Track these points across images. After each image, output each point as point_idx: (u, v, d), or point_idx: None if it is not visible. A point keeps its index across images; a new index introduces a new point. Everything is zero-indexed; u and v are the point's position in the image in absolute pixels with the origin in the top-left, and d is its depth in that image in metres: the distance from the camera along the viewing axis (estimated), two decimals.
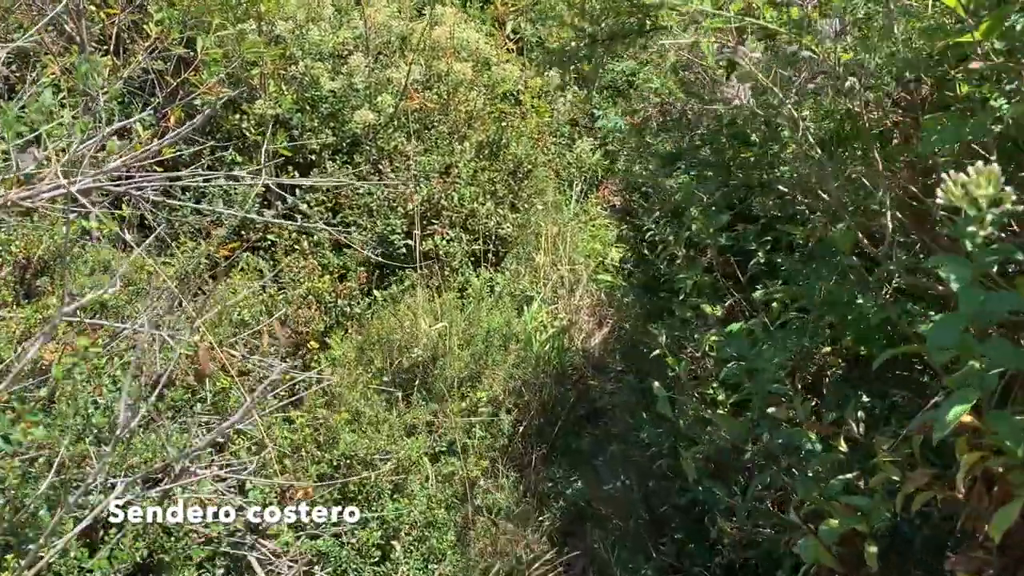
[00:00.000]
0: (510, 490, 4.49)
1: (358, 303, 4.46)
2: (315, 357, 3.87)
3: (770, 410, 2.37)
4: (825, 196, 2.03)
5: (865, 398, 2.13)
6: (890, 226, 1.76)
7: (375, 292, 4.62)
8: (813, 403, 2.20)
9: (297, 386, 3.53)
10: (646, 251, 4.47)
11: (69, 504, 1.57)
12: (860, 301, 2.30)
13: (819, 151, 1.83)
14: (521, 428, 5.05)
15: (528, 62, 6.97)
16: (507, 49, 6.74)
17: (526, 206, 5.62)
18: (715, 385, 3.28)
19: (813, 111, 1.94)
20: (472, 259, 5.06)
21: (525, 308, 6.37)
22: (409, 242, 4.68)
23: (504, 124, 5.74)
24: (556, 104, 7.33)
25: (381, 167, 5.15)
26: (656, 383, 2.84)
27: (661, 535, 4.23)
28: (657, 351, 4.36)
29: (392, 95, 5.34)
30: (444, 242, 4.74)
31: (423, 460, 3.75)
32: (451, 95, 5.68)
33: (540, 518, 4.48)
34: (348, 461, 3.39)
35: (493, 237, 5.12)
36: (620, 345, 7.51)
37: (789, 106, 1.78)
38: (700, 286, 3.47)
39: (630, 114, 4.69)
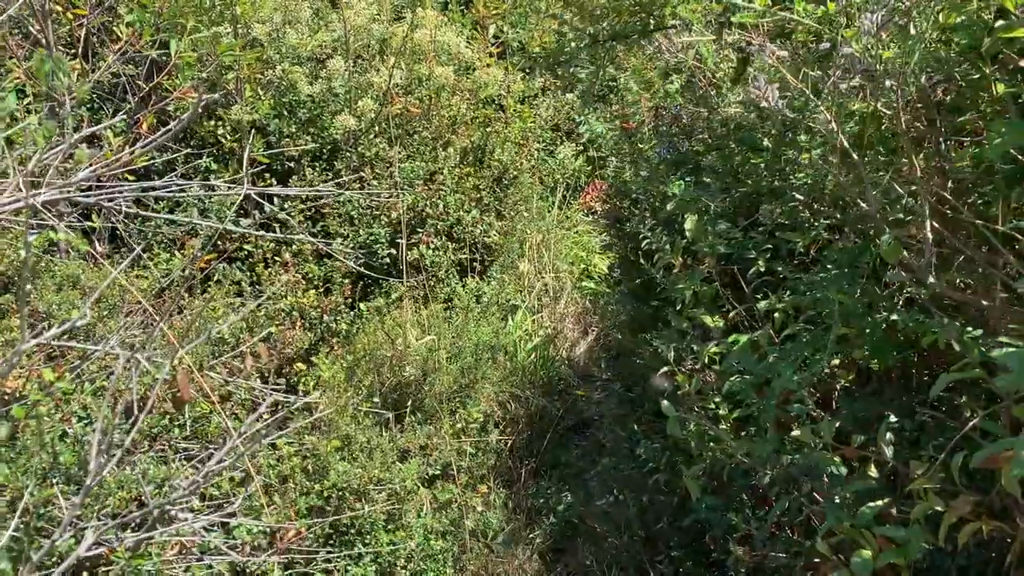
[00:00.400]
0: (500, 508, 4.34)
1: (343, 318, 4.28)
2: (301, 378, 3.68)
3: (794, 433, 2.23)
4: (862, 204, 1.91)
5: (892, 418, 2.00)
6: (930, 237, 1.63)
7: (360, 305, 4.44)
8: (836, 424, 2.06)
9: (283, 410, 3.35)
10: (640, 260, 4.34)
11: (33, 563, 1.40)
12: (877, 313, 2.18)
13: (854, 155, 1.70)
14: (510, 443, 4.91)
15: (510, 66, 6.83)
16: (489, 53, 6.60)
17: (511, 213, 5.47)
18: (717, 400, 3.15)
19: (836, 113, 1.81)
20: (458, 268, 4.90)
21: (511, 318, 6.23)
22: (393, 251, 4.52)
23: (488, 129, 5.60)
24: (539, 109, 7.20)
25: (363, 174, 4.98)
26: (665, 402, 2.69)
27: (657, 553, 4.08)
28: (652, 362, 4.22)
29: (373, 99, 5.18)
30: (430, 251, 4.59)
31: (418, 488, 3.58)
32: (433, 100, 5.52)
33: (531, 535, 4.34)
34: (340, 492, 3.20)
35: (479, 245, 4.97)
36: (606, 353, 7.39)
37: (822, 108, 1.65)
38: (700, 296, 3.34)
39: (622, 119, 4.55)
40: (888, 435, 2.01)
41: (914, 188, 1.78)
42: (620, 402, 6.12)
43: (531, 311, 6.88)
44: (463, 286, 4.84)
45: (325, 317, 4.14)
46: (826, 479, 2.08)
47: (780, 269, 3.18)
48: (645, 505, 4.25)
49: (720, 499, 3.34)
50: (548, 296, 7.11)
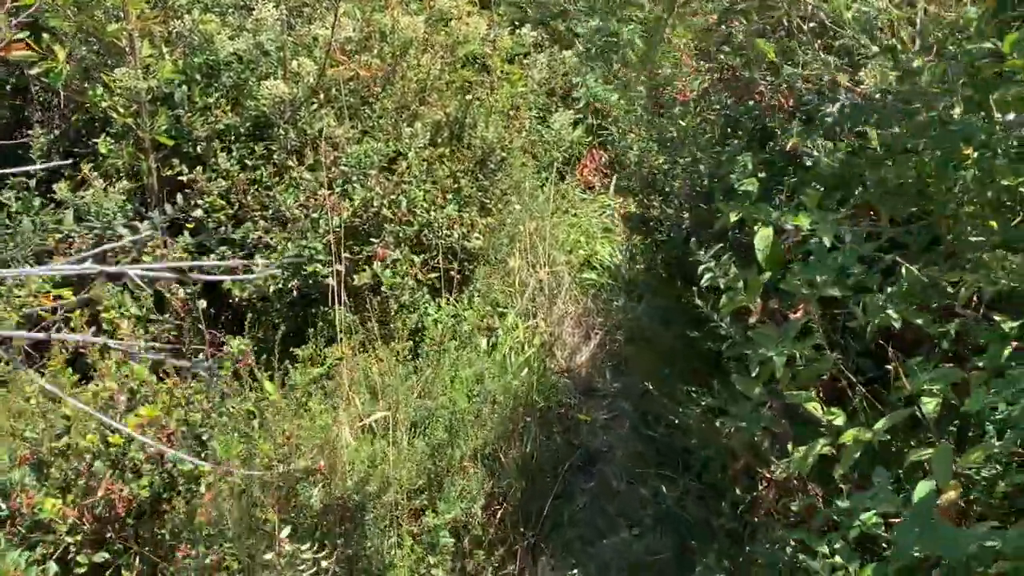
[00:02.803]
0: None
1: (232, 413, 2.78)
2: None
3: None
4: None
5: None
6: None
7: (266, 384, 2.98)
8: None
9: None
10: (673, 275, 3.17)
11: None
12: None
13: None
14: (499, 514, 3.75)
15: (497, 17, 5.55)
16: (470, 1, 5.29)
17: (499, 206, 4.24)
18: (836, 543, 1.96)
19: None
20: (428, 286, 3.67)
21: (500, 325, 5.04)
22: (340, 268, 3.27)
23: (469, 98, 4.33)
24: (531, 70, 5.92)
25: (303, 158, 3.73)
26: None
27: None
28: (701, 431, 3.06)
29: (316, 59, 3.90)
30: (386, 271, 3.33)
31: None
32: (398, 59, 4.25)
33: None
34: None
35: (457, 252, 3.75)
36: (611, 361, 6.28)
37: None
38: (798, 368, 2.15)
39: (651, 85, 3.30)
40: None
41: None
42: (632, 432, 5.06)
43: (524, 315, 5.72)
44: (437, 309, 3.61)
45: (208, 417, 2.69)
46: None
47: (934, 330, 1.99)
48: None
49: None
50: (543, 295, 5.94)
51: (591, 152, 7.83)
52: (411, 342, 3.30)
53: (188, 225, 3.86)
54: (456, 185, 3.91)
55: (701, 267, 2.27)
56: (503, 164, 4.25)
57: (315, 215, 3.28)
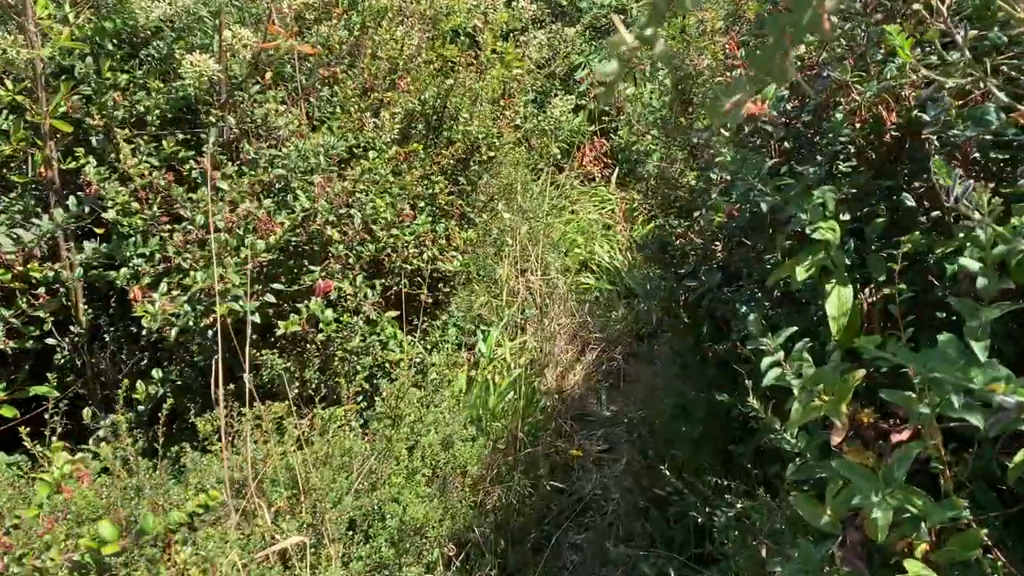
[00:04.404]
0: None
1: None
2: None
3: None
4: None
5: None
6: None
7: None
8: None
9: None
10: (695, 321, 2.43)
11: None
12: None
13: None
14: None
15: None
16: None
17: (484, 216, 3.47)
18: None
19: None
20: (389, 323, 2.90)
21: (481, 344, 4.33)
22: (247, 308, 2.50)
23: (452, 81, 3.56)
24: (528, 49, 5.14)
25: (239, 154, 2.97)
26: None
27: None
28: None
29: (257, 30, 3.13)
30: (327, 310, 2.53)
31: None
32: (364, 31, 3.47)
33: None
34: None
35: (426, 278, 2.98)
36: (607, 380, 5.61)
37: None
38: (939, 553, 1.41)
39: (681, 80, 2.53)
40: None
41: None
42: (627, 471, 4.45)
43: (512, 328, 5.01)
44: (399, 349, 2.85)
45: None
46: None
47: None
48: None
49: None
50: (535, 306, 5.23)
51: (592, 140, 7.08)
52: (360, 403, 2.55)
53: (98, 230, 3.11)
54: (431, 191, 3.15)
55: (764, 362, 1.52)
56: (490, 164, 3.48)
57: (241, 232, 2.51)
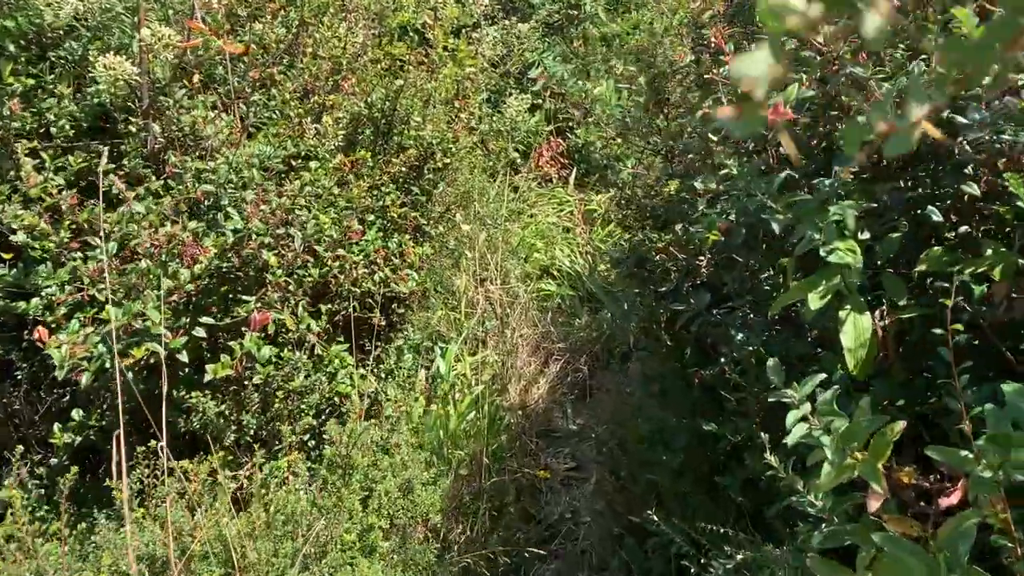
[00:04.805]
0: None
1: None
2: None
3: None
4: None
5: None
6: None
7: None
8: None
9: None
10: (707, 378, 2.17)
11: None
12: None
13: None
14: None
15: None
16: None
17: (441, 227, 3.18)
18: None
19: None
20: (337, 354, 2.58)
21: (439, 361, 4.05)
22: (158, 350, 2.17)
23: (402, 81, 3.26)
24: (481, 45, 4.86)
25: (167, 166, 2.63)
26: None
27: None
28: None
29: (182, 28, 2.79)
30: (264, 348, 2.20)
31: None
32: (303, 28, 3.15)
33: None
34: None
35: (379, 300, 2.68)
36: (573, 391, 5.39)
37: None
38: None
39: (648, 72, 2.26)
40: None
41: None
42: (598, 491, 4.25)
43: (472, 342, 4.73)
44: (349, 383, 2.54)
45: None
46: None
47: None
48: None
49: None
50: (495, 317, 4.97)
51: (548, 139, 6.83)
52: (307, 443, 2.24)
53: (6, 255, 2.75)
54: (381, 203, 2.84)
55: (790, 418, 1.26)
56: (446, 171, 3.19)
57: (164, 258, 2.18)
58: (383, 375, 2.82)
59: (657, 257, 2.24)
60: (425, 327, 3.88)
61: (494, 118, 5.07)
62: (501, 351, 4.70)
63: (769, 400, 1.29)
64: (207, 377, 2.04)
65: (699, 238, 1.80)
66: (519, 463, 4.04)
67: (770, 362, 1.29)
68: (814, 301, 1.51)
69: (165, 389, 1.72)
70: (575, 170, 6.56)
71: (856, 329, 1.60)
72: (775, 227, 1.38)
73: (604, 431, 4.61)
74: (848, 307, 1.61)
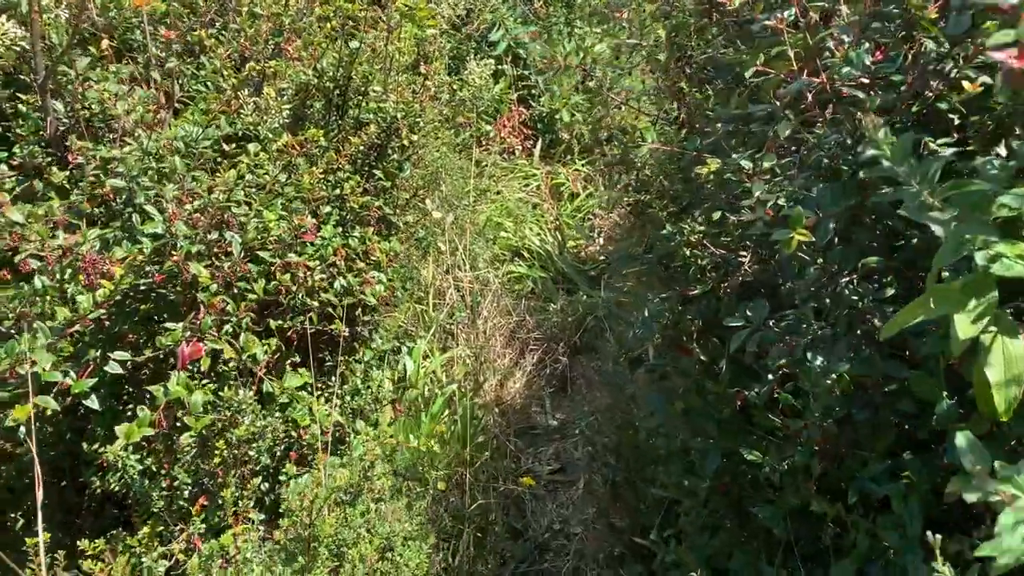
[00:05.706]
0: None
1: None
2: None
3: None
4: None
5: None
6: None
7: None
8: None
9: None
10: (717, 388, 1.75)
11: None
12: None
13: None
14: None
15: None
16: None
17: (410, 216, 2.69)
18: None
19: None
20: (293, 388, 2.10)
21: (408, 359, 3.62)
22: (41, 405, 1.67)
23: (358, 44, 2.74)
24: (440, 5, 4.34)
25: (68, 159, 2.10)
26: None
27: None
28: None
29: None
30: (197, 393, 1.69)
31: None
32: None
33: None
34: None
35: (341, 310, 2.20)
36: (552, 383, 5.03)
37: None
38: None
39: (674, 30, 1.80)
40: None
41: None
42: (589, 502, 3.90)
43: (441, 337, 4.29)
44: (307, 415, 2.06)
45: None
46: None
47: None
48: None
49: None
50: (465, 307, 4.53)
51: (511, 108, 6.36)
52: (260, 493, 1.77)
53: None
54: (338, 191, 2.34)
55: (1007, 519, 0.83)
56: (412, 149, 2.69)
57: (63, 277, 1.67)
58: (348, 396, 2.34)
59: (689, 253, 1.80)
60: (391, 328, 3.41)
61: (459, 87, 4.57)
62: (474, 344, 4.27)
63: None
64: (119, 442, 1.54)
65: (777, 239, 1.35)
66: (501, 474, 3.64)
67: (960, 437, 0.85)
68: (966, 328, 1.07)
69: (35, 451, 1.23)
70: (539, 141, 6.11)
71: (1007, 358, 1.17)
72: (937, 229, 0.94)
73: (588, 426, 4.24)
74: (993, 329, 1.18)
